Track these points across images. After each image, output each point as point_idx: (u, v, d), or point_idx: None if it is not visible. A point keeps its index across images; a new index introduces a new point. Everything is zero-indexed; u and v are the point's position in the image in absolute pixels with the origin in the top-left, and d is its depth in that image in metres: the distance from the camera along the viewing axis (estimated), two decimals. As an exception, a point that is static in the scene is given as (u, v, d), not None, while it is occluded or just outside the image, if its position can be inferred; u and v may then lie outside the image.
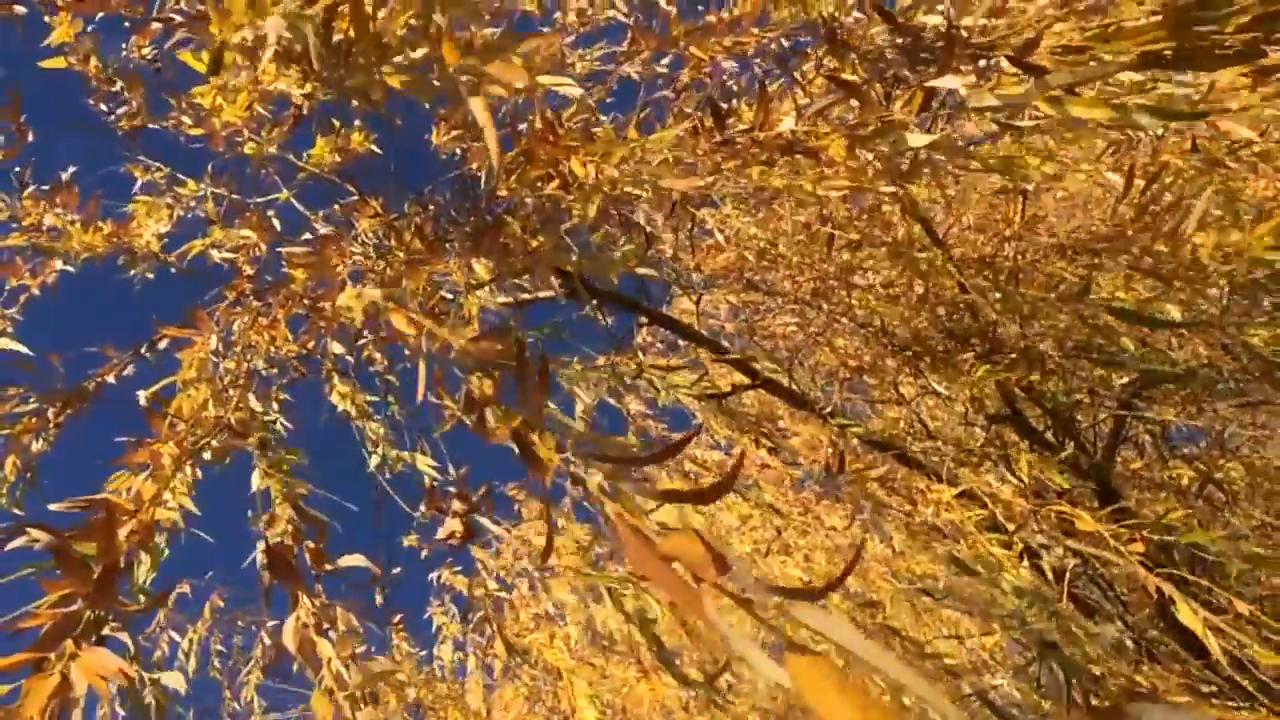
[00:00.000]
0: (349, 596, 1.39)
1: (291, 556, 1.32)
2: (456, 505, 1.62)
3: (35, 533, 0.94)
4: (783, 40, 1.79)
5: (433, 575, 3.31)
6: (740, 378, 3.40)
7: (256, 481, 1.58)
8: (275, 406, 1.83)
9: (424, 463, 2.08)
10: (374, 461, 2.17)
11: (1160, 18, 0.88)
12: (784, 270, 3.27)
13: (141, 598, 1.25)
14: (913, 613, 3.98)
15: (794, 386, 3.23)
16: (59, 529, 0.96)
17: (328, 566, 1.37)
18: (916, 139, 1.20)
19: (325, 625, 1.29)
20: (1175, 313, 2.22)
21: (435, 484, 1.90)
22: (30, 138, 1.89)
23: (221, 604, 3.78)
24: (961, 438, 3.42)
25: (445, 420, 2.17)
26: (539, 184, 1.84)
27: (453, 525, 1.61)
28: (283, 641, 1.23)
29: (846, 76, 1.32)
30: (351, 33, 1.01)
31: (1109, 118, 0.97)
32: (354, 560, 1.40)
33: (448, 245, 1.92)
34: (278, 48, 1.49)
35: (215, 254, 2.01)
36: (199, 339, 1.78)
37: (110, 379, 1.92)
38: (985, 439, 3.14)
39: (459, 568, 3.75)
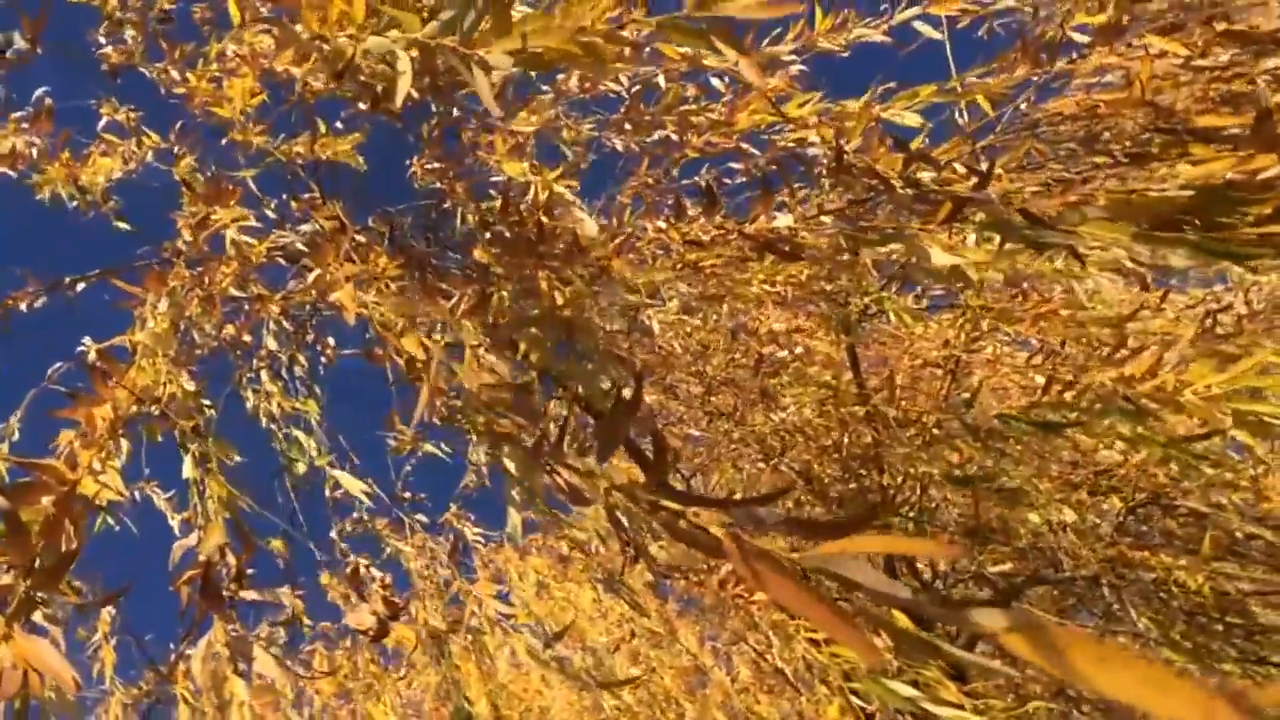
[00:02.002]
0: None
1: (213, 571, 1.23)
2: (379, 606, 1.54)
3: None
4: (791, 146, 1.82)
5: (280, 590, 3.14)
6: (637, 475, 3.38)
7: (189, 470, 1.48)
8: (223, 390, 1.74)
9: (355, 484, 1.99)
10: (300, 469, 2.07)
11: (1191, 193, 0.90)
12: (705, 383, 3.30)
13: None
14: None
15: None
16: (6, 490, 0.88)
17: (246, 594, 1.27)
18: (939, 256, 1.16)
19: (240, 661, 1.19)
20: (1069, 514, 2.30)
21: (360, 565, 1.82)
22: (40, 51, 1.83)
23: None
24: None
25: (399, 443, 2.11)
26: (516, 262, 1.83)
27: (367, 619, 1.53)
28: (191, 671, 1.13)
29: (881, 170, 1.34)
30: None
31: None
32: (279, 595, 1.30)
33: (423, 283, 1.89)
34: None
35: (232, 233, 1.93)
36: (149, 298, 1.70)
37: (22, 307, 1.83)
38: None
39: (302, 592, 3.58)
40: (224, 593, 1.27)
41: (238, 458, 1.63)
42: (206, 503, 1.48)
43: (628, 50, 0.97)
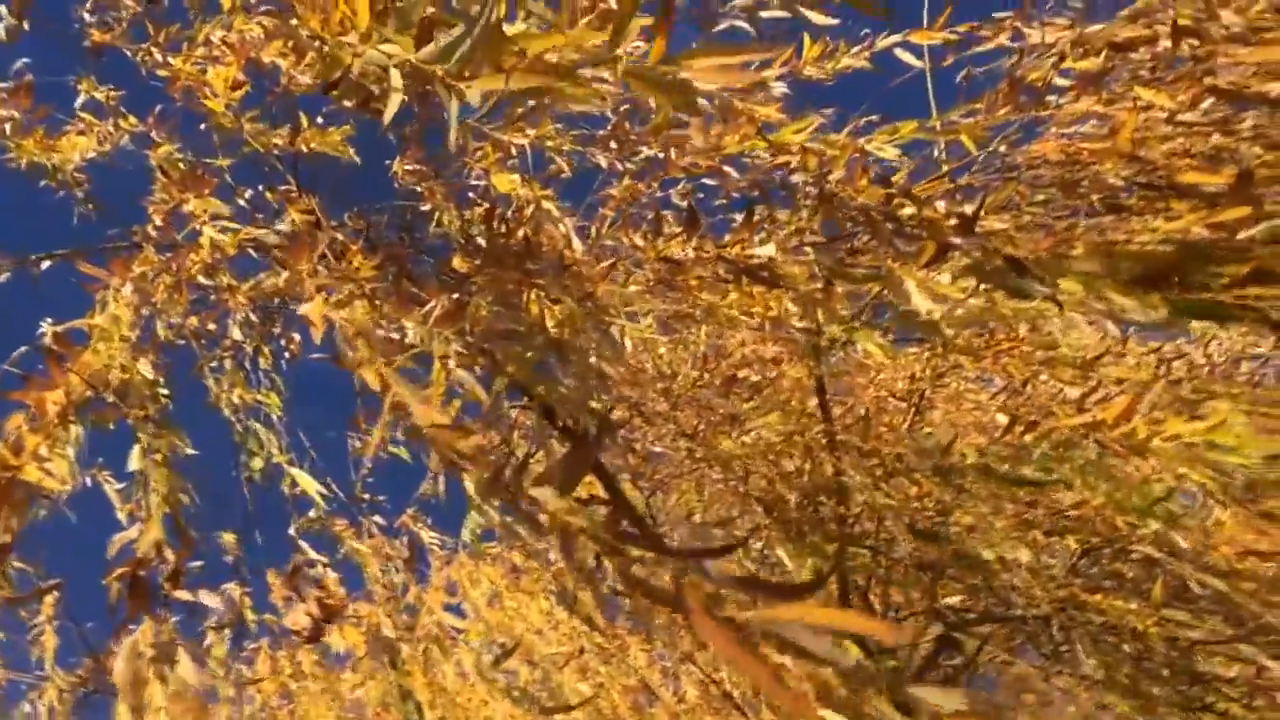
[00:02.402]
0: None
1: (147, 568, 1.18)
2: (312, 608, 1.51)
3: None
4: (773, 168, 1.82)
5: (225, 586, 3.10)
6: (599, 491, 3.37)
7: (136, 462, 1.44)
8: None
9: (311, 483, 1.96)
10: (256, 465, 2.03)
11: (1171, 249, 0.91)
12: (672, 401, 3.30)
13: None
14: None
15: (649, 518, 3.23)
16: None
17: (183, 594, 1.22)
18: (920, 300, 1.16)
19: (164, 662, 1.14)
20: (1025, 555, 2.33)
21: (300, 564, 1.79)
22: (26, 27, 1.80)
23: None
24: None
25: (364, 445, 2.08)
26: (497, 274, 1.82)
27: (302, 620, 1.50)
28: (112, 668, 1.08)
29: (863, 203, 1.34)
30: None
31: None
32: (213, 599, 1.26)
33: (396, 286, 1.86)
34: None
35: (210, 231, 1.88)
36: (113, 282, 1.65)
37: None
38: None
39: (250, 589, 3.55)
40: (160, 590, 1.23)
41: (190, 450, 1.59)
42: (150, 497, 1.44)
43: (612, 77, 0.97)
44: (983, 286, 1.10)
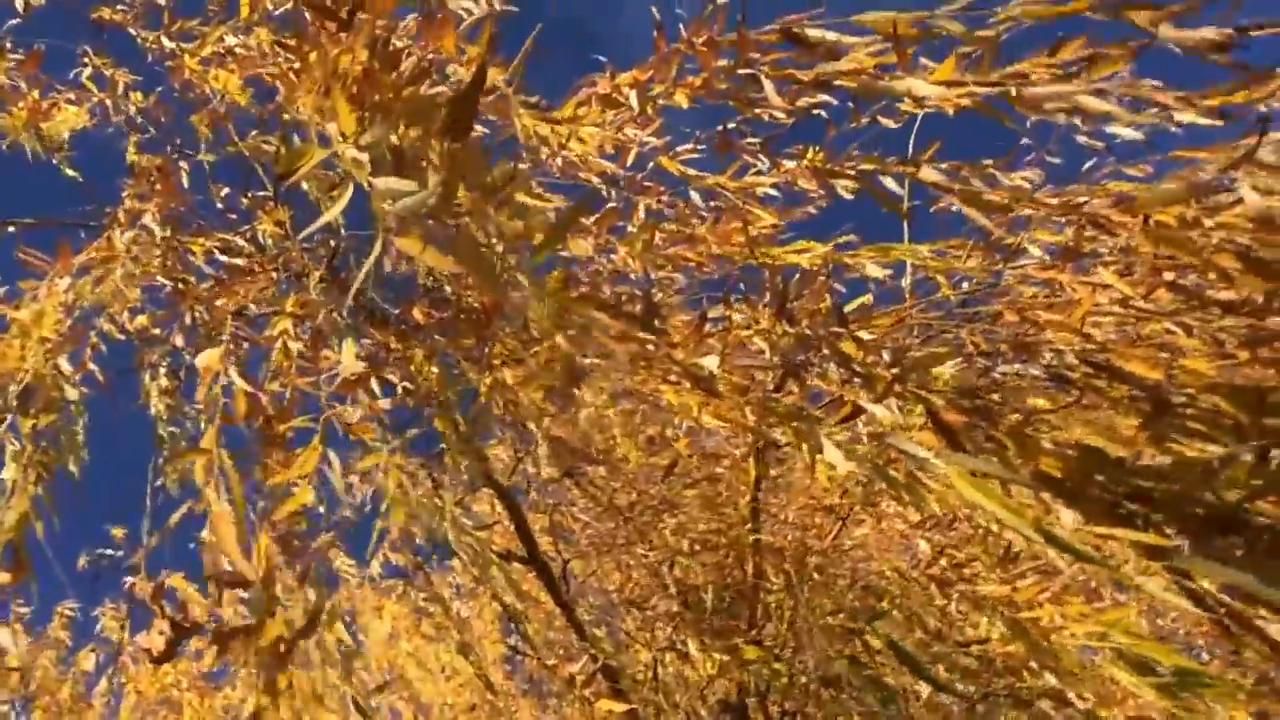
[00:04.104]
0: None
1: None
2: (164, 625, 1.47)
3: None
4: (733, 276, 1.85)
5: (128, 581, 3.05)
6: (518, 548, 3.34)
7: (9, 472, 1.38)
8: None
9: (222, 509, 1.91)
10: (170, 477, 1.98)
11: (1079, 454, 0.95)
12: (606, 472, 3.30)
13: None
14: None
15: (563, 583, 3.21)
16: None
17: None
18: (833, 453, 1.23)
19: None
20: (925, 689, 2.34)
21: (165, 581, 1.75)
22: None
23: None
24: (684, 705, 3.43)
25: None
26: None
27: (155, 640, 1.45)
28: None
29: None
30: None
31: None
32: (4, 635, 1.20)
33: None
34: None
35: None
36: (52, 271, 1.60)
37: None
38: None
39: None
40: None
41: (74, 470, 1.55)
42: (4, 514, 1.38)
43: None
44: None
